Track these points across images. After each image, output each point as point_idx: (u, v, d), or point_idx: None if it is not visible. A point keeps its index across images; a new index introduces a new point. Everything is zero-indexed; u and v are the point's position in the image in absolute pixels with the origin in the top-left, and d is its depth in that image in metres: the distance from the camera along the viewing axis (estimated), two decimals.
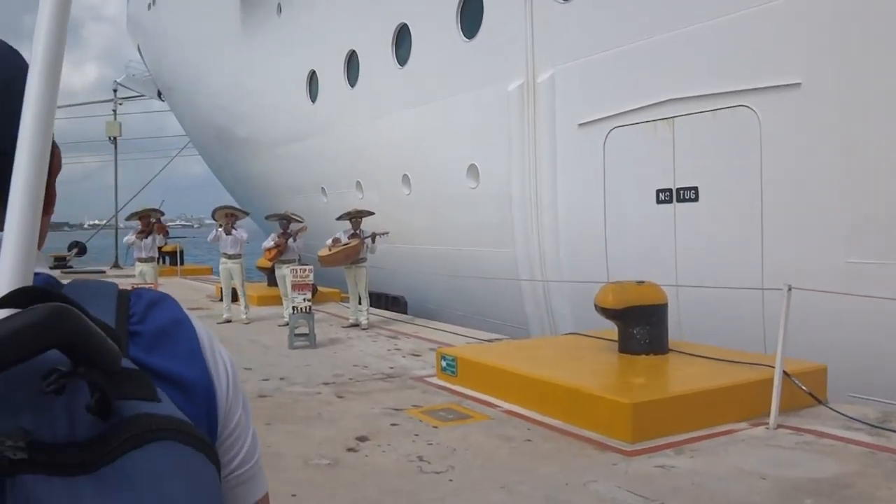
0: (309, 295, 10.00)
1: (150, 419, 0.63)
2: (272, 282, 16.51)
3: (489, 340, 10.32)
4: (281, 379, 8.22)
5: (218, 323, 12.40)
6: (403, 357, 9.46)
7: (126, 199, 30.67)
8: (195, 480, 0.65)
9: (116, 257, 26.36)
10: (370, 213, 12.05)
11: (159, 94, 35.59)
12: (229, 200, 24.11)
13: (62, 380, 0.59)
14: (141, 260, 12.55)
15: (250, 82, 22.85)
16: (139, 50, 34.80)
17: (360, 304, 11.86)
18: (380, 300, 16.05)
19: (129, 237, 12.72)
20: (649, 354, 7.41)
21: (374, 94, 17.05)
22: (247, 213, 13.24)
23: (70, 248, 27.71)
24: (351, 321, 11.88)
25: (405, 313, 15.21)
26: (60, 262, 26.22)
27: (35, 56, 0.68)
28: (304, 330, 10.11)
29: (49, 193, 0.74)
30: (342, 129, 18.40)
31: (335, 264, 11.57)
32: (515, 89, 12.84)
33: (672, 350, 7.63)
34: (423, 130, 15.42)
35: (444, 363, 8.02)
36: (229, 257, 12.55)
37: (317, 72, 19.52)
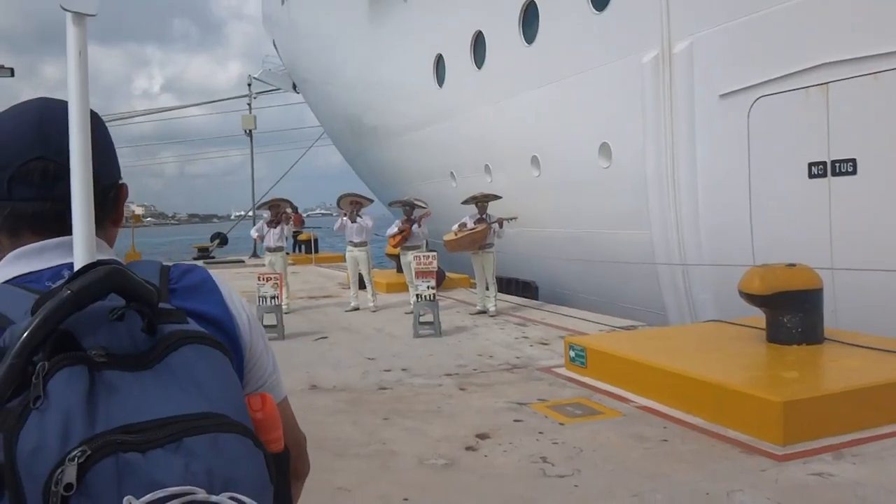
0: (433, 282, 9.75)
1: (182, 332, 0.98)
2: (401, 268, 16.51)
3: (623, 328, 9.76)
4: (403, 370, 8.00)
5: (346, 311, 12.39)
6: (531, 346, 9.06)
7: (265, 189, 31.60)
8: (213, 363, 0.98)
9: (255, 247, 27.15)
10: (496, 197, 11.67)
11: (294, 87, 36.51)
12: (363, 189, 24.40)
13: (120, 310, 0.95)
14: (269, 250, 12.70)
15: (378, 70, 22.96)
16: (274, 44, 35.76)
17: (486, 290, 11.53)
18: (510, 285, 15.69)
19: (255, 229, 12.84)
20: (801, 345, 6.69)
21: (501, 74, 16.65)
22: (371, 201, 13.15)
23: (212, 239, 28.85)
24: (478, 308, 11.59)
25: (536, 299, 14.78)
26: (203, 253, 27.35)
27: (72, 114, 1.02)
28: (429, 318, 9.88)
29: (118, 211, 1.24)
30: (469, 112, 18.11)
31: (461, 249, 11.28)
32: (650, 61, 12.12)
33: (828, 339, 6.87)
34: (553, 110, 14.90)
35: (572, 353, 7.57)
36: (355, 245, 12.51)
37: (443, 55, 19.30)
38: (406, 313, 11.92)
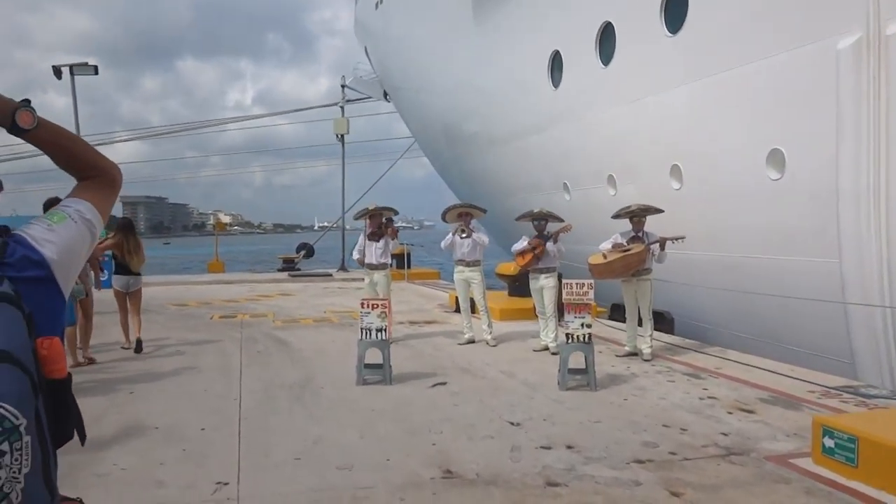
0: (589, 319, 7.29)
1: None
2: (514, 291, 14.05)
3: (859, 392, 7.12)
4: (568, 447, 5.56)
5: (459, 344, 10.05)
6: (729, 413, 6.51)
7: (352, 202, 29.61)
8: (6, 316, 1.31)
9: (343, 259, 25.17)
10: (658, 211, 9.14)
11: (385, 96, 34.66)
12: (452, 201, 22.08)
13: None
14: (372, 267, 10.48)
15: (483, 73, 20.68)
16: (366, 52, 34.05)
17: (639, 325, 9.02)
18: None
19: (356, 250, 10.52)
20: None
21: (634, 69, 14.12)
22: (484, 211, 10.72)
23: (298, 251, 26.99)
24: (628, 349, 9.09)
25: (672, 333, 12.20)
26: (289, 265, 25.47)
27: None
28: (579, 364, 7.42)
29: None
30: (592, 116, 15.62)
31: (611, 276, 8.83)
32: (849, 47, 9.47)
33: None
34: (702, 109, 12.32)
35: (830, 442, 5.02)
36: (467, 265, 10.20)
37: (561, 52, 16.85)
38: (535, 351, 9.52)
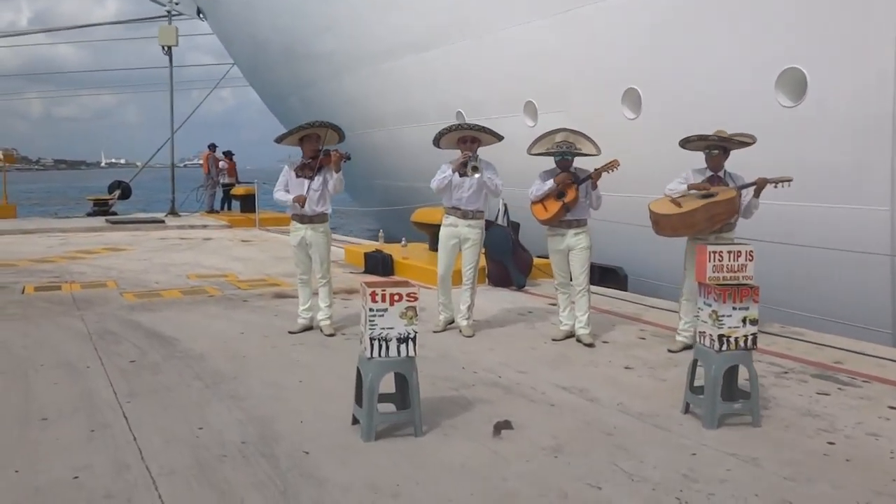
0: (754, 311, 4.33)
1: None
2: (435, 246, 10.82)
3: None
4: None
5: (435, 331, 6.82)
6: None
7: (149, 141, 24.55)
8: None
9: (173, 203, 20.57)
10: (747, 142, 6.14)
11: (199, 13, 29.26)
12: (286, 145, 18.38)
13: None
14: (303, 218, 6.70)
15: None
16: None
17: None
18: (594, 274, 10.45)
19: (280, 185, 6.79)
20: None
21: None
22: (500, 137, 7.23)
23: (111, 190, 21.89)
24: (682, 340, 6.27)
25: (625, 290, 9.72)
26: (101, 206, 20.50)
27: None
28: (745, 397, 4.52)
29: None
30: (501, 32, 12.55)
31: (688, 231, 5.92)
32: None
33: None
34: (681, 13, 9.66)
35: None
36: (464, 216, 6.85)
37: None
38: (555, 340, 6.51)
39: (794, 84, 8.38)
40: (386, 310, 4.04)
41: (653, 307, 8.19)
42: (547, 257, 10.02)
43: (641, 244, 9.87)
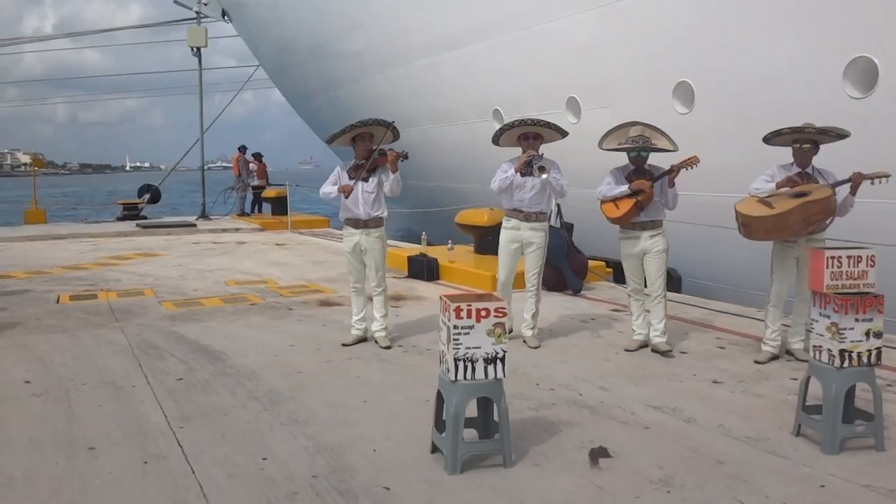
0: (879, 322, 3.86)
1: None
2: (484, 248, 10.40)
3: None
4: None
5: (533, 348, 6.36)
6: None
7: (181, 144, 24.31)
8: None
9: (203, 206, 20.30)
10: (841, 136, 5.60)
11: (224, 15, 29.00)
12: (307, 141, 17.97)
13: None
14: (357, 223, 6.26)
15: None
16: None
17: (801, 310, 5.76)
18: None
19: (329, 184, 6.38)
20: None
21: None
22: (565, 133, 6.75)
23: (140, 194, 21.67)
24: (769, 350, 5.77)
25: (678, 292, 9.23)
26: (131, 211, 20.24)
27: None
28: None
29: None
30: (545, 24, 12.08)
31: (783, 234, 5.43)
32: None
33: None
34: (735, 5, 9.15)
35: None
36: (526, 218, 6.32)
37: None
38: (628, 351, 6.03)
39: (864, 74, 7.88)
40: (472, 327, 3.60)
41: (720, 312, 7.69)
42: (600, 259, 9.61)
43: (695, 244, 9.43)
